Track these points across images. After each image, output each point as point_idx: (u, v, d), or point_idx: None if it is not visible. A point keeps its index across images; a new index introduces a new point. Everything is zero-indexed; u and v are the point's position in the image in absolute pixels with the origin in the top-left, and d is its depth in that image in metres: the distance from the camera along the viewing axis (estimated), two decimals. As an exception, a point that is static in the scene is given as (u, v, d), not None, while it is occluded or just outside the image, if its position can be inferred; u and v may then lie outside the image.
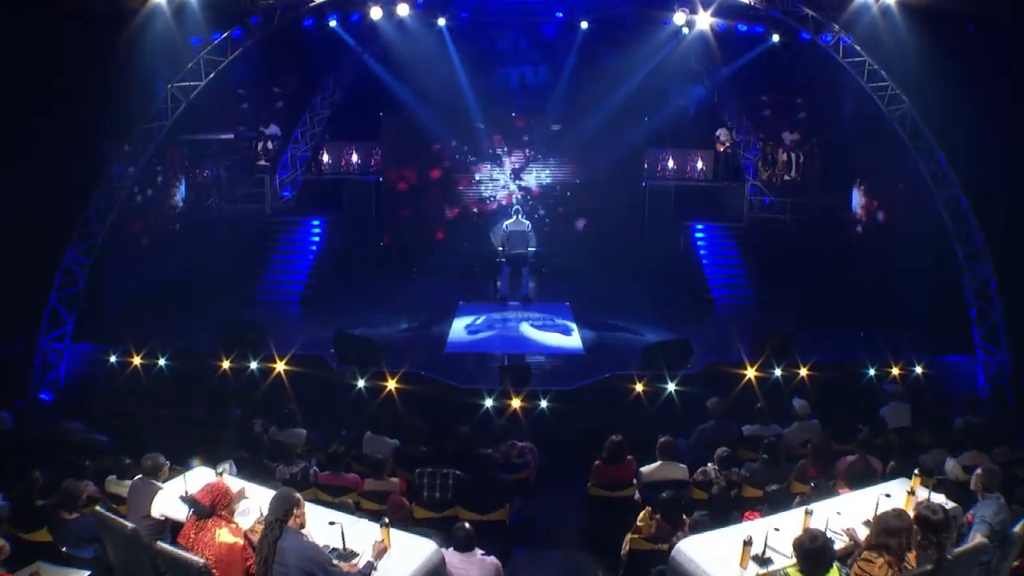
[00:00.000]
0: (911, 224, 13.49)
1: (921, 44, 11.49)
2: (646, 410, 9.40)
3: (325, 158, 17.68)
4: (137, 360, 10.79)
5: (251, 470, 7.07)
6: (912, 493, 5.84)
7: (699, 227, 16.00)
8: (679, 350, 10.09)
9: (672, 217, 16.60)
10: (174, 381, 10.47)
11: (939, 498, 5.85)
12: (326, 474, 7.03)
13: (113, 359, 10.98)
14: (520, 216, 14.08)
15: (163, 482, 5.94)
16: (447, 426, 7.79)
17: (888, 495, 5.82)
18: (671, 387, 9.60)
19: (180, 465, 7.20)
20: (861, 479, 6.79)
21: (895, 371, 10.76)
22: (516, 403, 8.84)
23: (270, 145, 16.52)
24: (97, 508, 5.45)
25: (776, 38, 16.10)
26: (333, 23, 13.74)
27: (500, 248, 14.02)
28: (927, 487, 5.90)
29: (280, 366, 10.18)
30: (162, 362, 10.74)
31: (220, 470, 6.06)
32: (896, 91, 11.13)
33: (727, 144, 17.65)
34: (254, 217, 15.55)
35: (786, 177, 16.97)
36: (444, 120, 16.66)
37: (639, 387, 9.48)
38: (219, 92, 15.34)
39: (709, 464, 7.35)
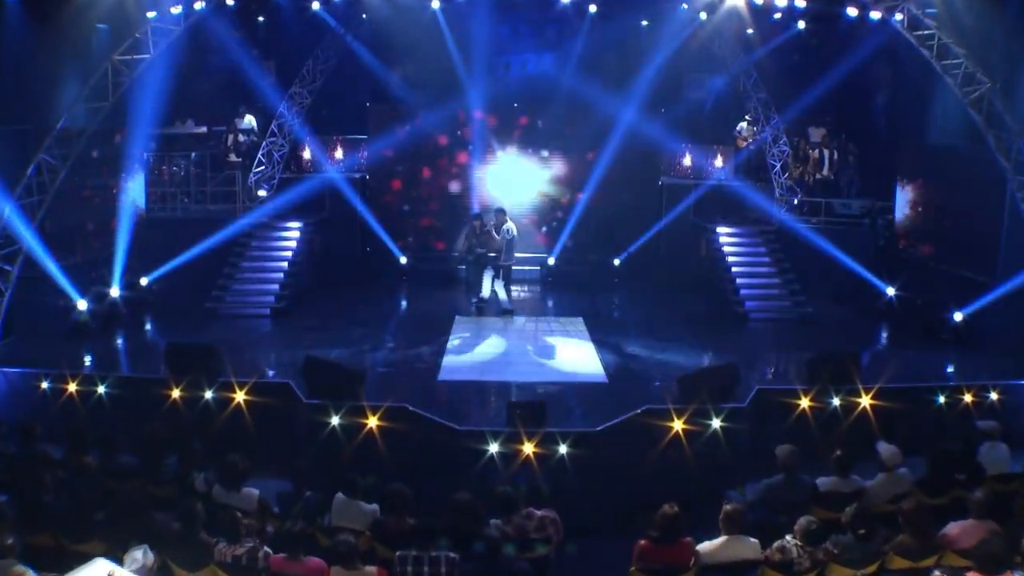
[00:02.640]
0: (973, 227, 11.87)
1: (986, 17, 9.90)
2: (687, 455, 7.66)
3: (305, 154, 16.22)
4: (72, 387, 9.04)
5: (182, 550, 5.34)
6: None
7: (721, 230, 14.32)
8: (725, 378, 8.35)
9: (692, 219, 15.03)
10: (114, 413, 8.74)
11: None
12: (281, 557, 5.27)
13: (45, 385, 9.20)
14: (502, 216, 12.44)
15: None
16: (442, 485, 6.02)
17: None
18: (716, 423, 7.87)
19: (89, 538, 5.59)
20: (999, 561, 5.07)
21: (968, 398, 9.18)
22: (528, 448, 7.08)
23: (241, 138, 14.91)
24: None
25: (802, 24, 14.88)
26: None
27: (466, 241, 12.75)
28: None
29: (240, 396, 8.42)
30: (101, 390, 8.97)
31: (125, 566, 4.28)
32: (973, 70, 9.43)
33: (748, 140, 16.13)
34: (223, 219, 13.88)
35: (818, 176, 15.35)
36: (438, 112, 15.44)
37: (679, 424, 7.73)
38: (188, 81, 14.14)
39: (788, 537, 5.65)
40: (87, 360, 10.43)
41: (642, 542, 5.46)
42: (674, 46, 14.95)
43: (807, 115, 16.04)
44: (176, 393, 8.63)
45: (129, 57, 9.23)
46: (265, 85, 16.00)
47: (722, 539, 5.55)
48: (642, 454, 7.47)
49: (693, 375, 8.49)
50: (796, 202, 14.99)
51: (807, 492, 6.58)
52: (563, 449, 7.19)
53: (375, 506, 5.86)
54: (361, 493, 5.87)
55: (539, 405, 7.52)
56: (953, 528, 5.90)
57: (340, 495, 5.89)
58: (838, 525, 5.99)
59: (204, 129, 15.12)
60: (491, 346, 11.14)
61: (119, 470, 6.86)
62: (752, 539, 5.64)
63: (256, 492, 6.11)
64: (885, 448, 6.99)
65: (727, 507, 5.61)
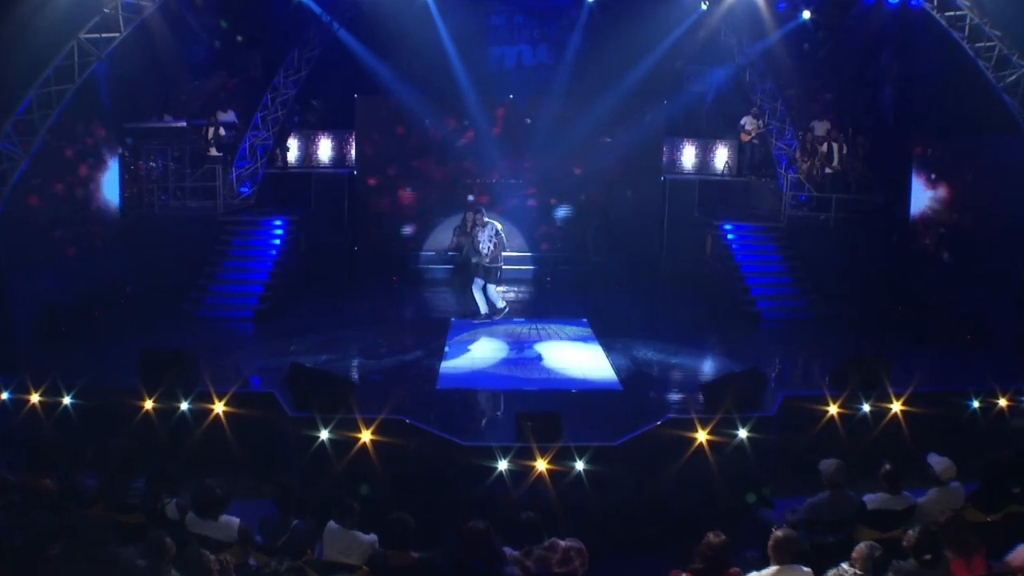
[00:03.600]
0: (995, 221, 11.30)
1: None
2: (712, 468, 6.99)
3: (290, 149, 15.62)
4: (35, 398, 8.27)
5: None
6: None
7: (727, 227, 13.72)
8: (750, 384, 7.69)
9: (696, 216, 14.47)
10: (82, 427, 7.98)
11: None
12: (264, 600, 4.51)
13: (5, 396, 8.44)
14: (484, 216, 11.80)
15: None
16: (448, 510, 5.30)
17: None
18: (743, 433, 7.21)
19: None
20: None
21: (1002, 402, 8.66)
22: (541, 465, 6.37)
23: (222, 132, 14.23)
24: None
25: (807, 15, 14.35)
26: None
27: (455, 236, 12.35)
28: None
29: (219, 407, 7.69)
30: (67, 401, 8.21)
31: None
32: (1008, 52, 8.83)
33: (753, 134, 15.56)
34: (203, 216, 13.28)
35: (827, 170, 14.78)
36: (428, 105, 14.89)
37: (703, 435, 7.06)
38: (166, 72, 13.44)
39: (844, 565, 4.97)
40: (53, 368, 9.70)
41: (683, 575, 4.76)
42: (675, 37, 14.46)
43: (812, 107, 15.56)
44: (148, 404, 7.89)
45: (97, 35, 8.45)
46: (248, 76, 15.39)
47: (772, 569, 4.84)
48: (664, 468, 6.79)
49: (717, 382, 7.82)
50: (804, 197, 14.42)
51: (854, 510, 5.93)
52: (580, 465, 6.48)
53: (373, 536, 5.10)
54: (357, 520, 5.13)
55: (552, 416, 6.80)
56: (1023, 551, 5.26)
57: (332, 523, 5.14)
58: (896, 548, 5.36)
59: (183, 123, 14.32)
60: (492, 351, 10.42)
61: (80, 494, 6.09)
62: (805, 568, 4.95)
63: (236, 521, 5.33)
64: (937, 460, 6.30)
65: (778, 533, 4.90)
